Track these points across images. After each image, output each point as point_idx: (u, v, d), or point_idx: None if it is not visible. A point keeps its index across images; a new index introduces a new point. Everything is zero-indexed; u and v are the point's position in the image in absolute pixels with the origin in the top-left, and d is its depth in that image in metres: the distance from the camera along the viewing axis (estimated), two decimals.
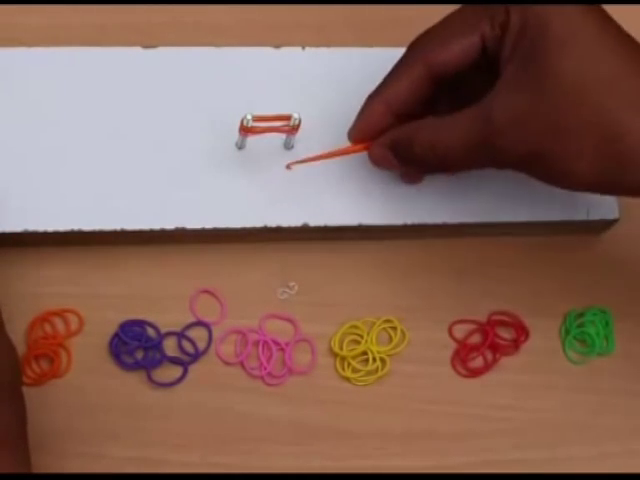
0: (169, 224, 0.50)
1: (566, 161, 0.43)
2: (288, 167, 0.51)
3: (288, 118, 0.49)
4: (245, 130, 0.50)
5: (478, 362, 0.53)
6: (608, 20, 0.45)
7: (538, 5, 0.43)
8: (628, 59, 0.43)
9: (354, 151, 0.50)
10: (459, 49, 0.46)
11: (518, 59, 0.44)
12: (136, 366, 0.50)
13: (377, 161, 0.49)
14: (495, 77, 0.45)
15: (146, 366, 0.50)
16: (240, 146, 0.52)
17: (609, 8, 0.58)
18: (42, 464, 0.47)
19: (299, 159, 0.50)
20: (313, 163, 0.50)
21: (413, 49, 0.47)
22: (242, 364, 0.51)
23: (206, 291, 0.52)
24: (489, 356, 0.53)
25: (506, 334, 0.53)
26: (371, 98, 0.48)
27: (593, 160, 0.43)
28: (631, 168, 0.42)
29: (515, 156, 0.44)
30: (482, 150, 0.45)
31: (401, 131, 0.48)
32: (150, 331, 0.51)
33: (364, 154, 0.50)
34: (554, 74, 0.43)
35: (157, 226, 0.50)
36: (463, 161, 0.46)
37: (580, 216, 0.53)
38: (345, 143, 0.51)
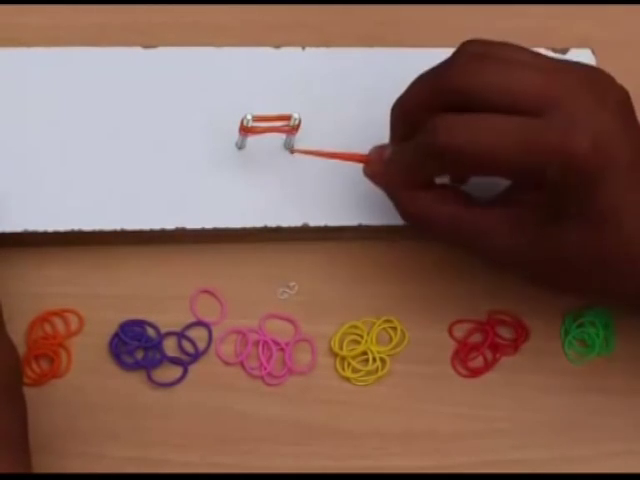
0: (169, 224, 0.50)
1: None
2: (292, 151, 0.51)
3: (288, 118, 0.49)
4: (245, 130, 0.50)
5: (478, 362, 0.53)
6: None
7: (575, 177, 0.42)
8: None
9: (359, 160, 0.49)
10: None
11: (532, 201, 0.45)
12: (136, 366, 0.50)
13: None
14: None
15: (146, 366, 0.50)
16: (240, 146, 0.52)
17: (611, 8, 0.58)
18: (42, 464, 0.47)
19: (305, 149, 0.50)
20: (313, 163, 0.50)
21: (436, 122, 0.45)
22: (242, 364, 0.51)
23: (206, 291, 0.52)
24: (489, 356, 0.53)
25: (506, 334, 0.53)
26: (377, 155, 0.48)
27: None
28: None
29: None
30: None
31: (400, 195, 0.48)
32: (150, 331, 0.51)
33: None
34: (558, 240, 0.45)
35: (157, 226, 0.50)
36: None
37: None
38: (345, 143, 0.51)
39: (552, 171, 0.42)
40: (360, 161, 0.49)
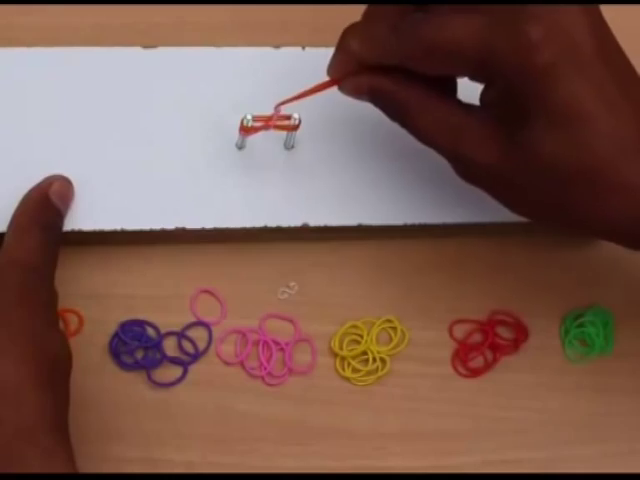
0: (169, 224, 0.50)
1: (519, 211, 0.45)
2: (277, 108, 0.49)
3: (288, 118, 0.49)
4: (245, 130, 0.50)
5: (478, 362, 0.53)
6: (608, 81, 0.42)
7: (531, 70, 0.41)
8: (615, 143, 0.41)
9: (331, 85, 0.47)
10: (438, 72, 0.44)
11: (500, 111, 0.43)
12: (136, 366, 0.50)
13: (349, 94, 0.47)
14: None
15: (146, 366, 0.50)
16: (240, 146, 0.52)
17: (610, 8, 0.58)
18: None
19: (286, 99, 0.49)
20: (313, 163, 0.50)
21: (395, 30, 0.44)
22: (242, 364, 0.51)
23: (206, 291, 0.52)
24: (489, 356, 0.53)
25: (506, 334, 0.53)
26: (345, 41, 0.46)
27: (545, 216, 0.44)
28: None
29: (473, 182, 0.45)
30: (448, 158, 0.45)
31: (382, 85, 0.45)
32: (150, 331, 0.51)
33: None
34: (532, 150, 0.42)
35: (157, 226, 0.50)
36: (430, 146, 0.45)
37: None
38: (345, 143, 0.51)
39: (505, 60, 0.41)
40: (332, 83, 0.47)
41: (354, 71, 0.46)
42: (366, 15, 0.47)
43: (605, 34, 0.43)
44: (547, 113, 0.41)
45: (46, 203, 0.48)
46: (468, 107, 0.45)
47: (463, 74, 0.44)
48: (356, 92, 0.46)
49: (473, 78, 0.44)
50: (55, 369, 0.43)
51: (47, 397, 0.42)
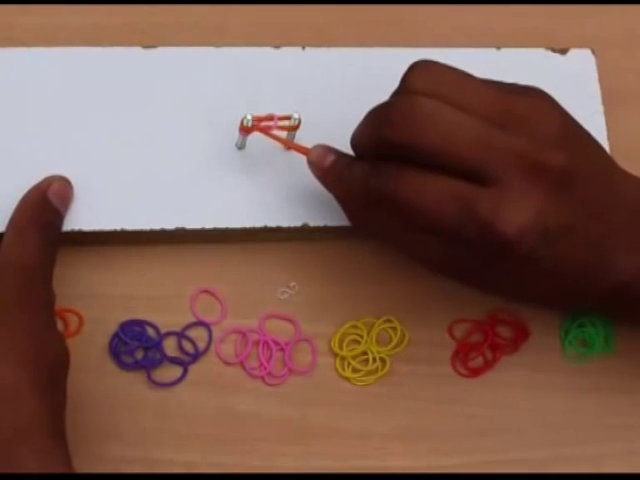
0: (169, 224, 0.50)
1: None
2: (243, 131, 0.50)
3: (288, 118, 0.49)
4: (245, 130, 0.50)
5: (478, 362, 0.53)
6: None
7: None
8: None
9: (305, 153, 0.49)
10: None
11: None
12: (136, 366, 0.50)
13: (314, 157, 0.49)
14: None
15: (146, 366, 0.50)
16: (240, 146, 0.52)
17: (611, 8, 0.58)
18: None
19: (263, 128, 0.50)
20: None
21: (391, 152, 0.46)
22: (242, 364, 0.51)
23: (206, 291, 0.52)
24: (489, 356, 0.53)
25: (506, 334, 0.53)
26: (323, 157, 0.48)
27: None
28: None
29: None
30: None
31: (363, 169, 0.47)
32: (150, 331, 0.51)
33: None
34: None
35: (157, 226, 0.50)
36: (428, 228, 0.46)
37: None
38: (345, 143, 0.51)
39: (476, 243, 0.44)
40: (305, 154, 0.49)
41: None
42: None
43: (576, 189, 0.45)
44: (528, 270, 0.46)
45: (45, 203, 0.48)
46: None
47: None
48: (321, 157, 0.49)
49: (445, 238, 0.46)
50: (52, 370, 0.43)
51: (44, 398, 0.42)
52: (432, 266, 0.48)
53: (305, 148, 0.49)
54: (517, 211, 0.43)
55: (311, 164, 0.49)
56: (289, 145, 0.50)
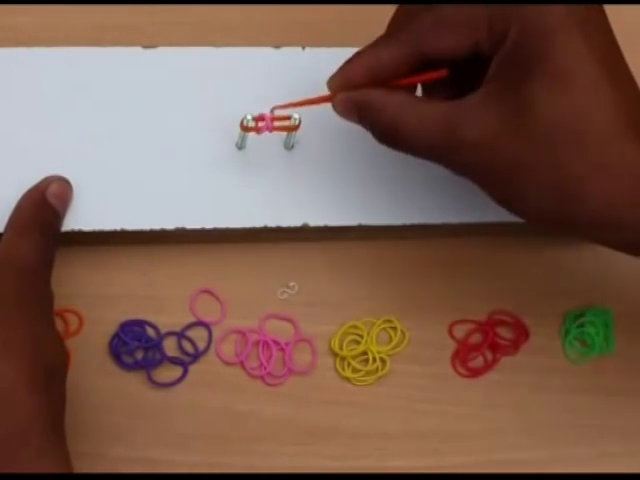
0: (169, 224, 0.50)
1: (514, 200, 0.44)
2: (272, 110, 0.49)
3: (288, 118, 0.49)
4: (245, 130, 0.50)
5: (478, 362, 0.53)
6: (612, 59, 0.43)
7: (541, 23, 0.42)
8: (615, 118, 0.42)
9: (328, 100, 0.48)
10: (453, 48, 0.44)
11: (502, 79, 0.43)
12: (136, 366, 0.50)
13: (340, 113, 0.47)
14: (483, 69, 0.44)
15: (146, 366, 0.50)
16: (240, 146, 0.52)
17: (609, 8, 0.58)
18: None
19: (284, 104, 0.49)
20: (313, 163, 0.50)
21: (405, 23, 0.45)
22: (242, 364, 0.51)
23: (206, 291, 0.52)
24: (489, 356, 0.53)
25: (506, 334, 0.53)
26: (357, 55, 0.46)
27: (540, 205, 0.43)
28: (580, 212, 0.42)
29: (471, 172, 0.44)
30: (436, 154, 0.45)
31: (371, 97, 0.46)
32: (150, 331, 0.51)
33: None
34: (532, 112, 0.42)
35: (157, 226, 0.50)
36: (421, 152, 0.45)
37: None
38: (345, 143, 0.51)
39: (521, 17, 0.42)
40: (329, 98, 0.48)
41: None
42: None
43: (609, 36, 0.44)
44: (551, 73, 0.41)
45: (43, 204, 0.48)
46: (457, 99, 0.44)
47: (478, 38, 0.44)
48: (345, 107, 0.47)
49: (482, 45, 0.44)
50: (51, 370, 0.43)
51: (42, 399, 0.42)
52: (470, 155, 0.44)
53: (325, 97, 0.48)
54: None
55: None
56: (310, 102, 0.48)
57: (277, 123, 0.49)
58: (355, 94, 0.46)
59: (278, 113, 0.49)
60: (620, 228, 0.43)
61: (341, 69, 0.47)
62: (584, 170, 0.42)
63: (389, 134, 0.45)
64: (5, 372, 0.42)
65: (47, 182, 0.49)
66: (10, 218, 0.47)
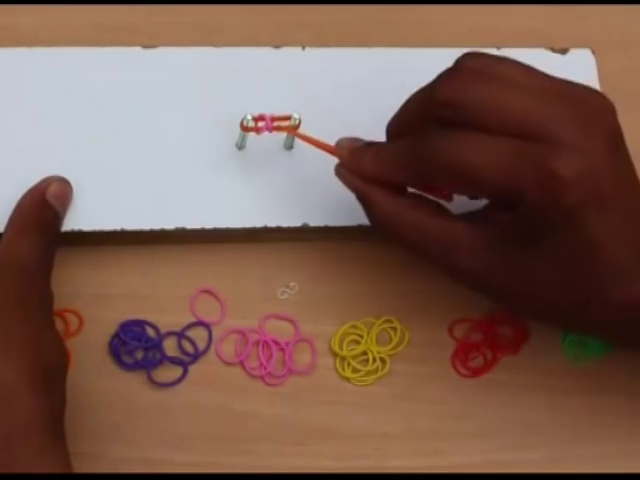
0: (169, 224, 0.50)
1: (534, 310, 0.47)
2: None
3: (288, 118, 0.49)
4: (245, 130, 0.50)
5: (478, 362, 0.53)
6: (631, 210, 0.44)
7: (554, 210, 0.42)
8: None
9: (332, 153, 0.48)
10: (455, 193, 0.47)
11: (508, 238, 0.45)
12: (136, 366, 0.50)
13: (340, 179, 0.48)
14: None
15: (146, 366, 0.50)
16: (240, 146, 0.52)
17: (611, 8, 0.58)
18: None
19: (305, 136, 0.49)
20: (313, 163, 0.50)
21: (419, 150, 0.45)
22: (242, 364, 0.51)
23: (206, 291, 0.52)
24: (489, 356, 0.53)
25: (506, 334, 0.53)
26: (367, 147, 0.47)
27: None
28: None
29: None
30: (436, 265, 0.47)
31: (371, 193, 0.47)
32: (150, 331, 0.51)
33: None
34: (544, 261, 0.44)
35: (157, 226, 0.50)
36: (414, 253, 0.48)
37: None
38: None
39: (531, 195, 0.42)
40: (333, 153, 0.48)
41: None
42: (388, 133, 0.48)
43: (625, 174, 0.44)
44: (564, 247, 0.43)
45: (43, 204, 0.48)
46: (461, 219, 0.46)
47: (482, 197, 0.46)
48: (347, 185, 0.48)
49: (492, 200, 0.46)
50: (51, 371, 0.43)
51: (42, 398, 0.42)
52: (458, 270, 0.47)
53: (329, 146, 0.48)
54: (576, 155, 0.41)
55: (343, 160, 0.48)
56: (316, 144, 0.49)
57: (277, 123, 0.49)
58: (357, 184, 0.47)
59: (278, 114, 0.49)
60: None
61: (353, 154, 0.47)
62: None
63: (382, 230, 0.48)
64: (6, 372, 0.42)
65: (47, 182, 0.49)
66: (10, 218, 0.47)
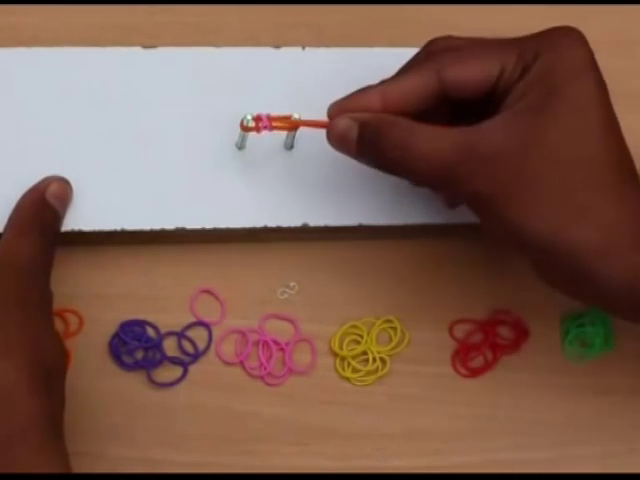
0: (169, 224, 0.50)
1: (519, 212, 0.44)
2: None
3: (288, 118, 0.49)
4: (245, 130, 0.50)
5: (478, 362, 0.53)
6: (611, 111, 0.46)
7: (568, 63, 0.44)
8: (615, 162, 0.44)
9: (325, 125, 0.47)
10: (477, 75, 0.45)
11: (524, 107, 0.44)
12: (136, 366, 0.50)
13: (336, 136, 0.47)
14: (492, 106, 0.45)
15: (146, 366, 0.50)
16: (240, 146, 0.52)
17: (611, 8, 0.58)
18: None
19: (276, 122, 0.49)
20: (313, 163, 0.51)
21: (431, 55, 0.47)
22: (242, 364, 0.51)
23: (206, 291, 0.52)
24: (489, 356, 0.53)
25: (506, 334, 0.53)
26: (370, 87, 0.47)
27: (545, 220, 0.44)
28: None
29: (479, 193, 0.44)
30: (446, 174, 0.44)
31: (377, 117, 0.46)
32: (150, 331, 0.51)
33: None
34: (546, 138, 0.44)
35: (157, 226, 0.50)
36: (425, 175, 0.45)
37: None
38: None
39: (544, 57, 0.44)
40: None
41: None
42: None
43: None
44: (568, 109, 0.44)
45: (43, 204, 0.48)
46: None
47: (506, 63, 0.46)
48: (344, 129, 0.46)
49: (509, 77, 0.45)
50: (51, 371, 0.43)
51: (42, 399, 0.42)
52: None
53: (323, 122, 0.47)
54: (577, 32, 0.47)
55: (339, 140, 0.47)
56: (307, 124, 0.49)
57: (277, 123, 0.49)
58: (359, 114, 0.46)
59: (276, 114, 0.49)
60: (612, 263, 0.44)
61: (353, 95, 0.47)
62: (591, 194, 0.43)
63: (396, 155, 0.45)
64: (6, 372, 0.42)
65: (47, 182, 0.49)
66: (10, 218, 0.47)
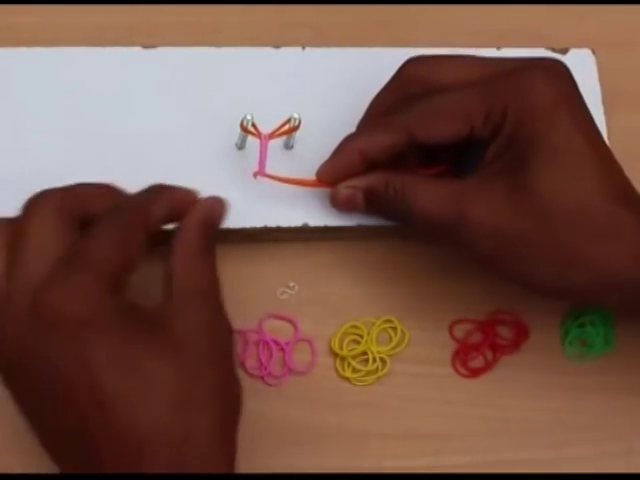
0: (169, 224, 0.50)
1: (522, 276, 0.46)
2: (255, 175, 0.50)
3: (288, 120, 0.49)
4: (245, 131, 0.50)
5: (478, 362, 0.53)
6: (595, 135, 0.46)
7: (535, 107, 0.44)
8: (605, 187, 0.45)
9: (320, 186, 0.50)
10: (446, 133, 0.47)
11: (502, 162, 0.46)
12: None
13: (342, 203, 0.50)
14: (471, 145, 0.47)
15: None
16: (240, 146, 0.52)
17: (611, 8, 0.58)
18: (42, 464, 0.47)
19: (269, 174, 0.50)
20: (313, 163, 0.50)
21: (400, 111, 0.48)
22: (242, 364, 0.51)
23: None
24: (489, 356, 0.53)
25: (506, 334, 0.53)
26: (348, 142, 0.49)
27: (546, 278, 0.46)
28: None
29: (479, 252, 0.46)
30: (453, 231, 0.47)
31: (376, 179, 0.48)
32: None
33: None
34: (530, 189, 0.44)
35: None
36: (434, 230, 0.47)
37: None
38: None
39: (513, 108, 0.45)
40: (327, 185, 0.50)
41: (345, 176, 0.49)
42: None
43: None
44: (545, 152, 0.44)
45: (208, 228, 0.46)
46: (459, 180, 0.47)
47: (475, 125, 0.46)
48: (349, 197, 0.49)
49: (480, 134, 0.46)
50: (236, 414, 0.43)
51: (231, 445, 0.43)
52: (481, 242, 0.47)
53: (312, 182, 0.50)
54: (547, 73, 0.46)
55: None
56: (302, 183, 0.50)
57: (275, 130, 0.49)
58: (359, 181, 0.49)
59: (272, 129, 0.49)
60: (621, 290, 0.46)
61: (335, 157, 0.49)
62: (581, 239, 0.44)
63: (403, 212, 0.48)
64: (205, 423, 0.41)
65: (212, 207, 0.47)
66: (187, 241, 0.45)
